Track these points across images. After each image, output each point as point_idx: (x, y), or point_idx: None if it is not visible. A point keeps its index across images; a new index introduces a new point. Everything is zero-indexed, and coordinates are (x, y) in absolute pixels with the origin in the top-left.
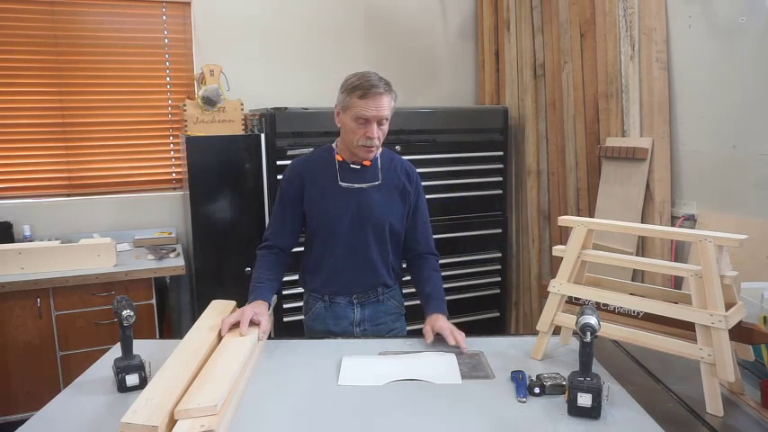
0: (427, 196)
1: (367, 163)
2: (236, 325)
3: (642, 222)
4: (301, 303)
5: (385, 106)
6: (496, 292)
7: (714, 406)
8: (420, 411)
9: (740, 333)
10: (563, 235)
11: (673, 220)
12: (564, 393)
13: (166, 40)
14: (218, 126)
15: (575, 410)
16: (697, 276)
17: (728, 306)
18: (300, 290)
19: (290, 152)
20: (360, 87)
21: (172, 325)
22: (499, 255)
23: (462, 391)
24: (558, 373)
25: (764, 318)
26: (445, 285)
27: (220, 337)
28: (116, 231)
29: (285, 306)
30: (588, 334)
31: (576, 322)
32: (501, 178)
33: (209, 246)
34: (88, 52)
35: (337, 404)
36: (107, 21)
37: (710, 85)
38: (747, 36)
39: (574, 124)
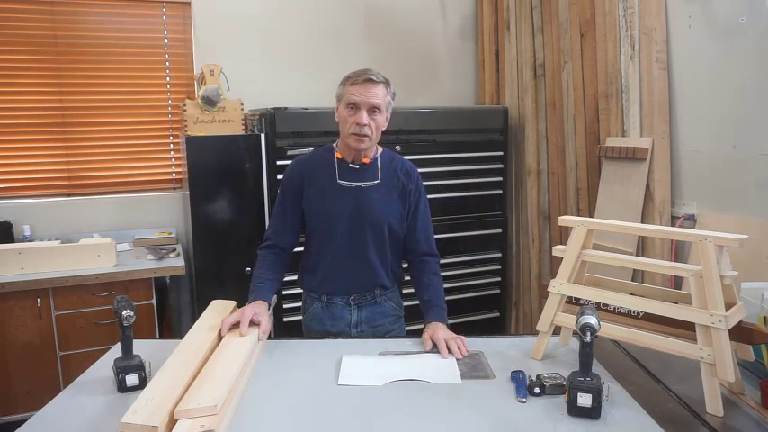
0: (427, 196)
1: (366, 160)
2: (236, 325)
3: (642, 222)
4: (301, 303)
5: (377, 94)
6: (496, 292)
7: (714, 406)
8: (420, 411)
9: (740, 333)
10: (563, 235)
11: (673, 220)
12: (564, 393)
13: (166, 40)
14: (218, 126)
15: (575, 410)
16: (697, 276)
17: (728, 306)
18: (300, 290)
19: (289, 152)
20: (353, 76)
21: (172, 325)
22: (499, 255)
23: (462, 391)
24: (558, 373)
25: (764, 318)
26: (445, 285)
27: (220, 337)
28: (116, 231)
29: (285, 306)
30: (588, 334)
31: (576, 322)
32: (501, 178)
33: (209, 246)
34: (88, 52)
35: (337, 404)
36: (107, 21)
37: (710, 85)
38: (747, 36)
39: (574, 124)
